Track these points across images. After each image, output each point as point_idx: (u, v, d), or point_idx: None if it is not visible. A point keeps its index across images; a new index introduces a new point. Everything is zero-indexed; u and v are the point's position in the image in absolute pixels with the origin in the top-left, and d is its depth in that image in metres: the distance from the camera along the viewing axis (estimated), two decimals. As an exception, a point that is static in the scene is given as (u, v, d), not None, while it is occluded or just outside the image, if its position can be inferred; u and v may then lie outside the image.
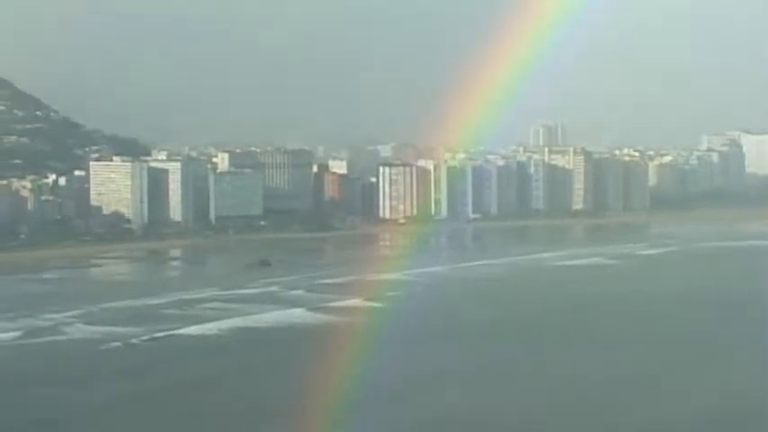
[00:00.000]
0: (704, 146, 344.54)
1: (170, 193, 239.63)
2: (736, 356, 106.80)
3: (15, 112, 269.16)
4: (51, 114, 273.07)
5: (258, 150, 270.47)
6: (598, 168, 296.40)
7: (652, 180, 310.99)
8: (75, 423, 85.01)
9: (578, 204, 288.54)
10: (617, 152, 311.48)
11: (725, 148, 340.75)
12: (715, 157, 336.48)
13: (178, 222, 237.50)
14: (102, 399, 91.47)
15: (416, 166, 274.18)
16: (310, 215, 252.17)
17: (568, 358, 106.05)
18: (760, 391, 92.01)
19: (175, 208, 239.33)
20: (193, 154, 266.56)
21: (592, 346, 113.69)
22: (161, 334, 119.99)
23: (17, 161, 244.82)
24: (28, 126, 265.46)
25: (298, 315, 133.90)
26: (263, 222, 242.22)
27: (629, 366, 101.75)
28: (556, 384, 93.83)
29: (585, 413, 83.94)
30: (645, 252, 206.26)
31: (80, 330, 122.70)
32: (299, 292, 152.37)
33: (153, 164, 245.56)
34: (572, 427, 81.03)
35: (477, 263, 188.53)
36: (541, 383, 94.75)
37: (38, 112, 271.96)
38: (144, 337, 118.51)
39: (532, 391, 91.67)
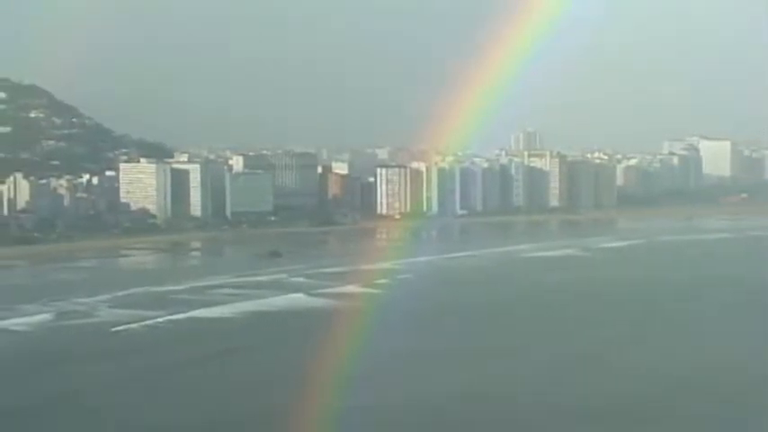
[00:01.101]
0: (666, 150, 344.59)
1: (191, 191, 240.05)
2: (672, 328, 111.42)
3: (54, 119, 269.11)
4: (86, 121, 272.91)
5: (269, 153, 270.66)
6: (572, 170, 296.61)
7: (619, 180, 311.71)
8: (95, 393, 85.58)
9: (554, 202, 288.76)
10: (588, 155, 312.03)
11: (684, 153, 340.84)
12: (675, 161, 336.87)
13: (198, 217, 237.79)
14: (121, 372, 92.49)
15: (410, 168, 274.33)
16: (315, 211, 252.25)
17: (534, 334, 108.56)
18: (687, 353, 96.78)
19: (195, 204, 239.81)
20: (211, 156, 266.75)
21: (552, 323, 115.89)
22: (180, 316, 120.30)
23: (55, 162, 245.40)
24: (65, 132, 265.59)
25: (301, 300, 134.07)
26: (273, 217, 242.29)
27: (574, 338, 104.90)
28: (521, 353, 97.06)
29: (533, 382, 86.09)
30: (612, 244, 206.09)
31: (107, 313, 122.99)
32: (305, 279, 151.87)
33: (175, 165, 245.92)
34: (520, 391, 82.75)
35: (462, 254, 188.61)
36: (506, 355, 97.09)
37: (74, 120, 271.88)
38: (162, 319, 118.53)
39: (497, 361, 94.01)
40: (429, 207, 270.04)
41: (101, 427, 75.51)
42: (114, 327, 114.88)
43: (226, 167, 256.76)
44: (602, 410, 75.40)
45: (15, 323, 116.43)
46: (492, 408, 77.11)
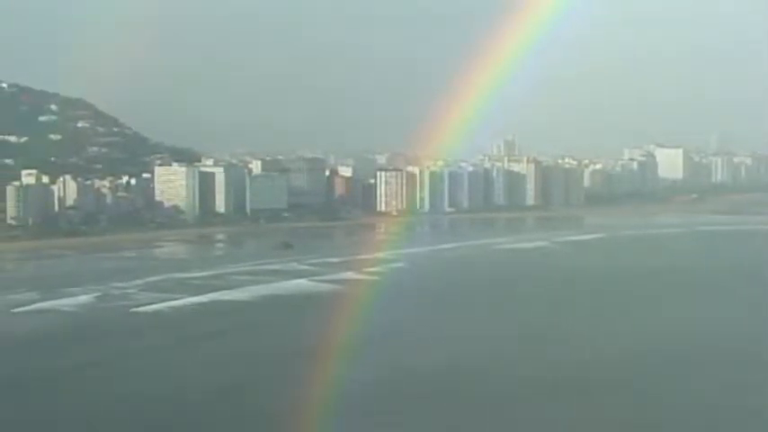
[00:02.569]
0: (626, 156, 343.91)
1: (216, 191, 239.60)
2: (623, 310, 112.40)
3: (97, 128, 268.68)
4: (125, 130, 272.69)
5: (283, 158, 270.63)
6: (545, 173, 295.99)
7: (586, 182, 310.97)
8: (121, 361, 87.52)
9: (530, 201, 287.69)
10: (559, 161, 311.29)
11: (642, 158, 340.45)
12: (635, 165, 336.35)
13: (221, 213, 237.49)
14: (147, 344, 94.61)
15: (405, 171, 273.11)
16: (323, 208, 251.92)
17: (508, 312, 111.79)
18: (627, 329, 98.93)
19: (219, 202, 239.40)
20: (233, 161, 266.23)
21: (522, 304, 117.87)
22: (203, 299, 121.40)
23: (98, 166, 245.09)
24: (107, 139, 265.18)
25: (309, 284, 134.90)
26: (286, 214, 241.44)
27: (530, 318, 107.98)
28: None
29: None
30: (579, 237, 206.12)
31: (140, 296, 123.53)
32: (312, 267, 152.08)
33: (203, 168, 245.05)
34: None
35: (449, 245, 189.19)
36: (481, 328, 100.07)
37: (114, 129, 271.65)
38: (186, 301, 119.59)
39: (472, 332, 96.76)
40: (422, 205, 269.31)
41: (125, 387, 77.15)
42: (144, 307, 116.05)
43: (246, 170, 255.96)
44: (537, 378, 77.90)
45: (64, 304, 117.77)
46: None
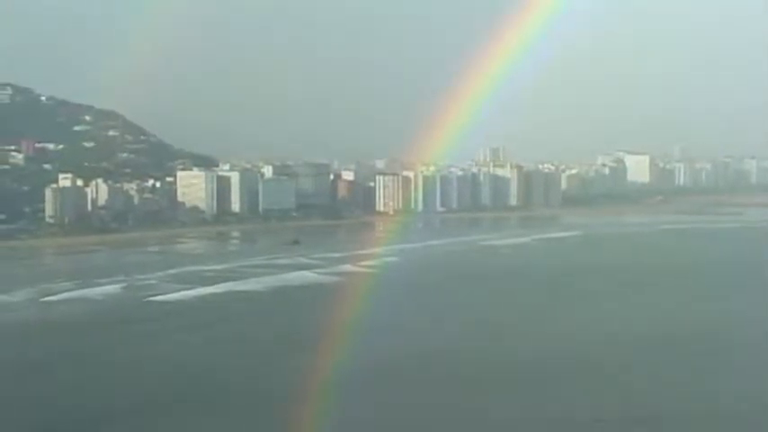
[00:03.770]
0: (599, 162, 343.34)
1: (231, 192, 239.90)
2: (587, 297, 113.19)
3: (126, 136, 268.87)
4: (150, 138, 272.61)
5: (292, 164, 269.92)
6: (527, 177, 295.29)
7: (564, 185, 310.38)
8: (139, 343, 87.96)
9: (513, 202, 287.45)
10: (540, 166, 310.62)
11: (613, 164, 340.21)
12: (607, 170, 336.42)
13: (237, 213, 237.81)
14: (165, 327, 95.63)
15: (401, 175, 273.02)
16: (328, 209, 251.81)
17: (491, 300, 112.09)
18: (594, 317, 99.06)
19: (235, 203, 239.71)
20: (248, 166, 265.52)
21: (504, 293, 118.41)
22: (219, 289, 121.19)
23: (127, 170, 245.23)
24: (134, 146, 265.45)
25: (314, 276, 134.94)
26: (294, 213, 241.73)
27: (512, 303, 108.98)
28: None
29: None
30: (557, 235, 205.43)
31: (163, 286, 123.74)
32: (317, 261, 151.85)
33: (220, 173, 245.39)
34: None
35: (439, 241, 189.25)
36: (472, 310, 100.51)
37: (141, 137, 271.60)
38: (206, 290, 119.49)
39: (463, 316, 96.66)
40: (416, 206, 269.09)
41: (148, 360, 79.22)
42: (166, 295, 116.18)
43: (258, 174, 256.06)
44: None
45: (95, 292, 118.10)
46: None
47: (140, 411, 63.54)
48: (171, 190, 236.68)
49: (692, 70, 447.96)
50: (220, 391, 68.43)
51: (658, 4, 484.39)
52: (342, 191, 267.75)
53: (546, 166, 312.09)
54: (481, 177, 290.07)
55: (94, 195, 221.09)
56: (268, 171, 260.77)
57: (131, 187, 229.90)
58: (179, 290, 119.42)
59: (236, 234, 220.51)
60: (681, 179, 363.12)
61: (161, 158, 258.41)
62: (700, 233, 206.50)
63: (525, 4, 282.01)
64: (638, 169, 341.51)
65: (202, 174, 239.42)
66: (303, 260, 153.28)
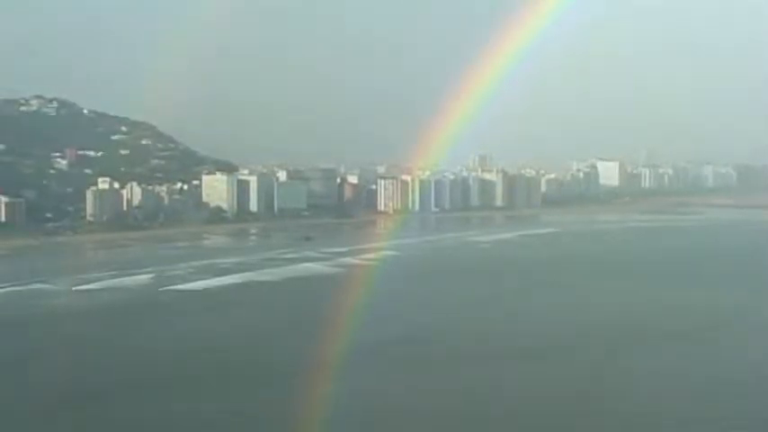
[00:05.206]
0: (574, 168, 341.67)
1: (250, 194, 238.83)
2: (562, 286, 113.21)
3: (157, 145, 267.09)
4: (179, 146, 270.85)
5: (303, 169, 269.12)
6: (511, 181, 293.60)
7: (543, 188, 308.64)
8: (162, 322, 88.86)
9: (499, 203, 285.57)
10: (522, 171, 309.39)
11: (587, 170, 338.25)
12: (581, 175, 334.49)
13: (255, 212, 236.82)
14: (193, 309, 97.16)
15: (400, 179, 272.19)
16: (335, 208, 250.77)
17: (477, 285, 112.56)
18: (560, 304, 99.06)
19: (253, 203, 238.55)
20: (264, 170, 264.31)
21: (489, 279, 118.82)
22: (239, 278, 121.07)
23: (158, 175, 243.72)
24: (165, 153, 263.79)
25: (323, 267, 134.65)
26: (306, 213, 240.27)
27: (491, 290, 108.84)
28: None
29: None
30: (537, 231, 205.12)
31: (188, 276, 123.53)
32: (325, 254, 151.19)
33: (240, 177, 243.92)
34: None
35: (433, 237, 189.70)
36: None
37: (171, 145, 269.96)
38: (227, 280, 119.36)
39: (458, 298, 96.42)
40: (413, 206, 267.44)
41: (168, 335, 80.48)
42: (192, 284, 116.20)
43: (274, 178, 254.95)
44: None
45: (127, 281, 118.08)
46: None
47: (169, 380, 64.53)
48: (197, 192, 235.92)
49: (658, 86, 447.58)
50: (240, 360, 70.17)
51: (629, 27, 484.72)
52: (347, 193, 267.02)
53: (527, 171, 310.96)
54: (470, 181, 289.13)
55: (129, 197, 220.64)
56: (282, 175, 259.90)
57: (162, 189, 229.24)
58: (205, 278, 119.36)
59: (254, 231, 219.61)
60: (646, 182, 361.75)
61: (188, 164, 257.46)
62: (661, 229, 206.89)
63: (507, 29, 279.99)
64: (608, 174, 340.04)
65: (224, 177, 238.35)
66: (313, 254, 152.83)
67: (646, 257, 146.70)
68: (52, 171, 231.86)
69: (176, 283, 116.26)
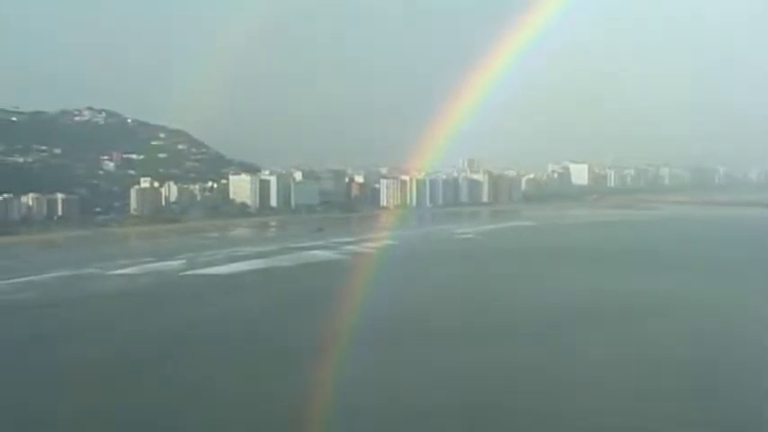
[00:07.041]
0: (550, 169, 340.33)
1: (270, 192, 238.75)
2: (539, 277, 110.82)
3: (191, 149, 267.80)
4: (210, 150, 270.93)
5: (316, 170, 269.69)
6: (495, 180, 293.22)
7: (523, 187, 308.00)
8: (186, 302, 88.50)
9: (485, 199, 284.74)
10: (505, 172, 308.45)
11: (560, 171, 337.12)
12: (555, 175, 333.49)
13: (274, 207, 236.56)
14: (220, 289, 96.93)
15: (400, 179, 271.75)
16: (344, 204, 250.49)
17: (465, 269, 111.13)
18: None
19: (273, 200, 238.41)
20: (283, 172, 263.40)
21: (475, 266, 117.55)
22: (261, 264, 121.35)
23: (192, 175, 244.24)
24: (197, 157, 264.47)
25: (333, 254, 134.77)
26: (318, 208, 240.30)
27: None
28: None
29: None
30: (518, 224, 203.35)
31: (216, 261, 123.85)
32: (336, 243, 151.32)
33: (262, 177, 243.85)
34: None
35: (427, 229, 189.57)
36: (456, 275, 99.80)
37: (203, 149, 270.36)
38: (250, 264, 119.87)
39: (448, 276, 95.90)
40: (411, 202, 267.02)
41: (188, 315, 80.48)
42: (218, 267, 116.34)
43: (291, 178, 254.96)
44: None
45: (162, 265, 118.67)
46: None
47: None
48: (225, 190, 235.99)
49: (626, 95, 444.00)
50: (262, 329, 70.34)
51: (605, 39, 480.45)
52: (354, 190, 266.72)
53: (509, 172, 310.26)
54: (460, 180, 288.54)
55: (167, 194, 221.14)
56: (298, 175, 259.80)
57: (195, 188, 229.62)
58: (231, 263, 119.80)
59: (273, 224, 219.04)
60: (612, 182, 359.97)
61: (217, 166, 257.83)
62: (623, 222, 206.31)
63: (495, 43, 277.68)
64: (579, 175, 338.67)
65: (248, 177, 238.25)
66: (325, 242, 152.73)
67: (609, 246, 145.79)
68: (101, 172, 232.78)
69: (204, 267, 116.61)
